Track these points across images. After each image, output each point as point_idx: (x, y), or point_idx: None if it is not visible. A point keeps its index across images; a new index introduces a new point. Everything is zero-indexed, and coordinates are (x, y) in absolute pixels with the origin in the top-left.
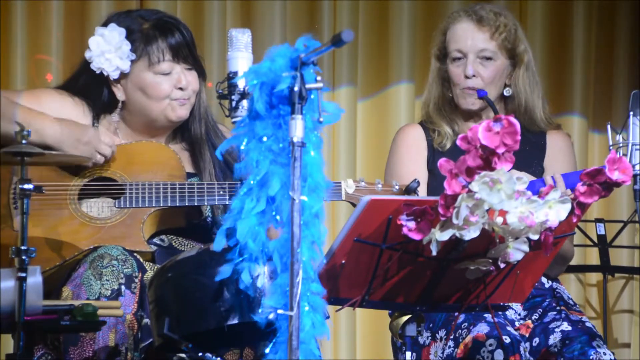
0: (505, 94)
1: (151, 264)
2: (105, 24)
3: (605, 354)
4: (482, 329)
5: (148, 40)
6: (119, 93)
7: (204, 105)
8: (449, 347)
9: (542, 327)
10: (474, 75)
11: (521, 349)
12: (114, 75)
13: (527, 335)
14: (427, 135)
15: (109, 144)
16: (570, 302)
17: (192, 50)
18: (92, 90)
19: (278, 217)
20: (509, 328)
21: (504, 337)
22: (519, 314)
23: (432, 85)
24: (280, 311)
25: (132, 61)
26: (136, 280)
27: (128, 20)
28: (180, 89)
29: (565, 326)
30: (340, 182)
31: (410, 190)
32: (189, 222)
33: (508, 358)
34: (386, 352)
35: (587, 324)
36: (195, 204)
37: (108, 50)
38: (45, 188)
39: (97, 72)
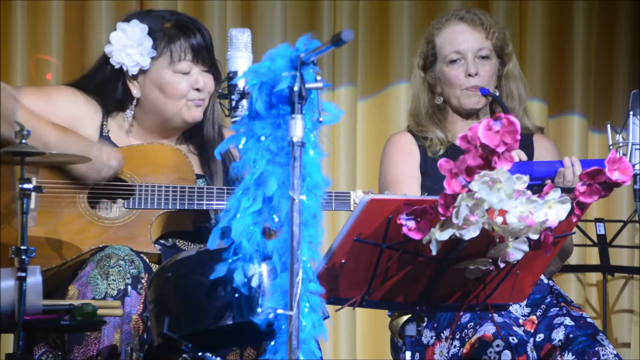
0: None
1: (157, 265)
2: (125, 21)
3: (608, 348)
4: (488, 329)
5: (171, 39)
6: (135, 90)
7: (218, 109)
8: (455, 346)
9: (545, 323)
10: (476, 74)
11: (528, 349)
12: (133, 71)
13: (532, 331)
14: (417, 141)
15: (117, 157)
16: (568, 298)
17: (210, 53)
18: (108, 86)
19: (275, 218)
20: (515, 328)
21: (511, 337)
22: (523, 311)
23: (419, 94)
24: (280, 311)
25: (153, 58)
26: (142, 281)
27: (148, 19)
28: (197, 90)
29: (568, 321)
30: (349, 193)
31: None
32: (196, 225)
33: (515, 359)
34: (386, 352)
35: (588, 320)
36: (204, 207)
37: (130, 45)
38: (55, 187)
39: (117, 66)
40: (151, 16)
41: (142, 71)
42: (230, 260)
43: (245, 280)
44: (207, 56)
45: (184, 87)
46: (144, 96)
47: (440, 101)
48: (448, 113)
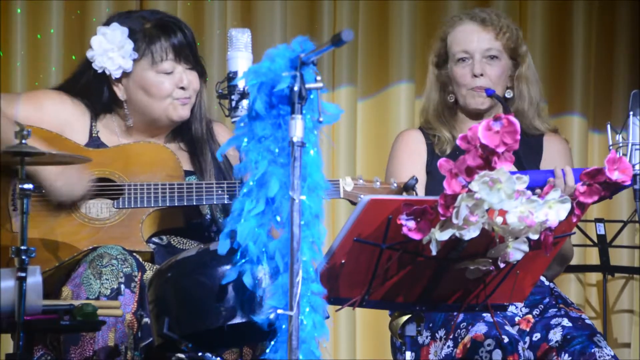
0: (507, 95)
1: (150, 264)
2: (106, 24)
3: (605, 350)
4: (480, 328)
5: (151, 39)
6: (120, 93)
7: (205, 105)
8: (448, 347)
9: (543, 323)
10: (481, 74)
11: (519, 348)
12: (116, 74)
13: (527, 329)
14: (426, 139)
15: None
16: (568, 300)
17: (193, 50)
18: (93, 90)
19: (278, 218)
20: (508, 327)
21: (502, 336)
22: (520, 311)
23: (430, 92)
24: (280, 311)
25: (135, 60)
26: (136, 279)
27: (129, 21)
28: (182, 88)
29: (566, 322)
30: (339, 180)
31: (408, 187)
32: (188, 221)
33: (506, 358)
34: (386, 352)
35: (587, 321)
36: (194, 203)
37: (111, 49)
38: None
39: (100, 71)
40: (132, 17)
41: (125, 74)
42: (238, 264)
43: (253, 282)
44: (189, 54)
45: (168, 87)
46: (129, 98)
47: (452, 99)
48: (457, 112)
